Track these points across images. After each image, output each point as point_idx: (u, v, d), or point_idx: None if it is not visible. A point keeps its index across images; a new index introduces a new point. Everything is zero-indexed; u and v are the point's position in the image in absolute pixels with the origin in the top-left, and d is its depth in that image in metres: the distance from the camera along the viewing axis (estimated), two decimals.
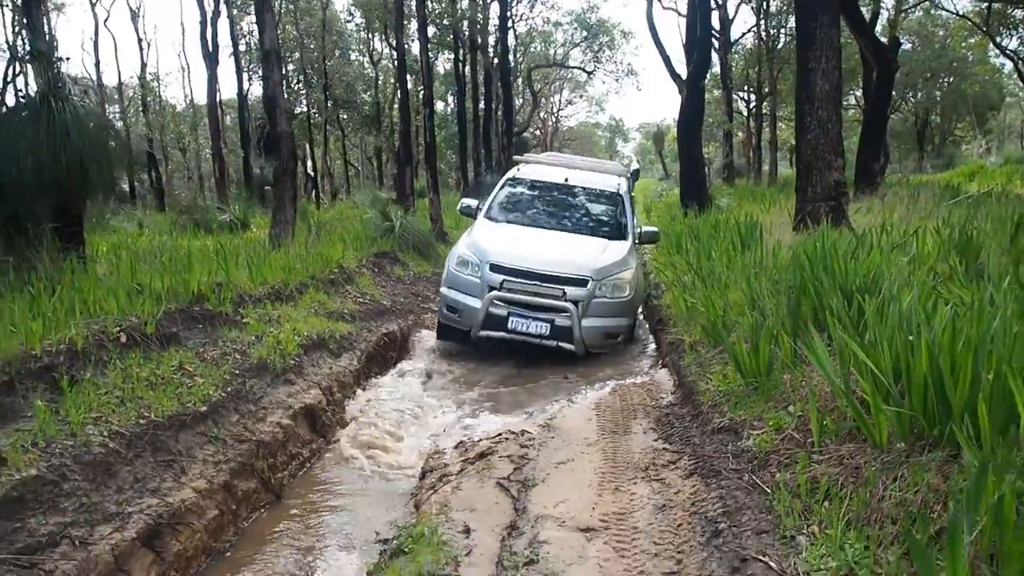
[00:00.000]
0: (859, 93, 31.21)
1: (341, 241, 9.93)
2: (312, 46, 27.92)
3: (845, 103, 35.87)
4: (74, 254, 6.68)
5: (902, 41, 31.81)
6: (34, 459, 3.36)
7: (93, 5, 23.30)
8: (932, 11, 29.64)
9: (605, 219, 8.01)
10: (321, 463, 5.05)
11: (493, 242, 7.10)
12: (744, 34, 30.55)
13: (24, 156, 6.56)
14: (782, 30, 26.42)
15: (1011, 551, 1.90)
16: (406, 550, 3.28)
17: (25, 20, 10.02)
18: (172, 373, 4.64)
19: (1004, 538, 1.95)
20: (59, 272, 6.02)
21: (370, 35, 31.33)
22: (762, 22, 27.07)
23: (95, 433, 3.72)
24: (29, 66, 8.09)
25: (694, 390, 4.75)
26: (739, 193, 18.53)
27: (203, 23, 18.34)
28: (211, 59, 18.35)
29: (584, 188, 8.32)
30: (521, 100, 38.51)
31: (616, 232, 7.70)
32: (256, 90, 28.29)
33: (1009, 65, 27.57)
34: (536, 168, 8.82)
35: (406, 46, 19.19)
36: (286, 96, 17.29)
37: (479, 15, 23.35)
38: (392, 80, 33.37)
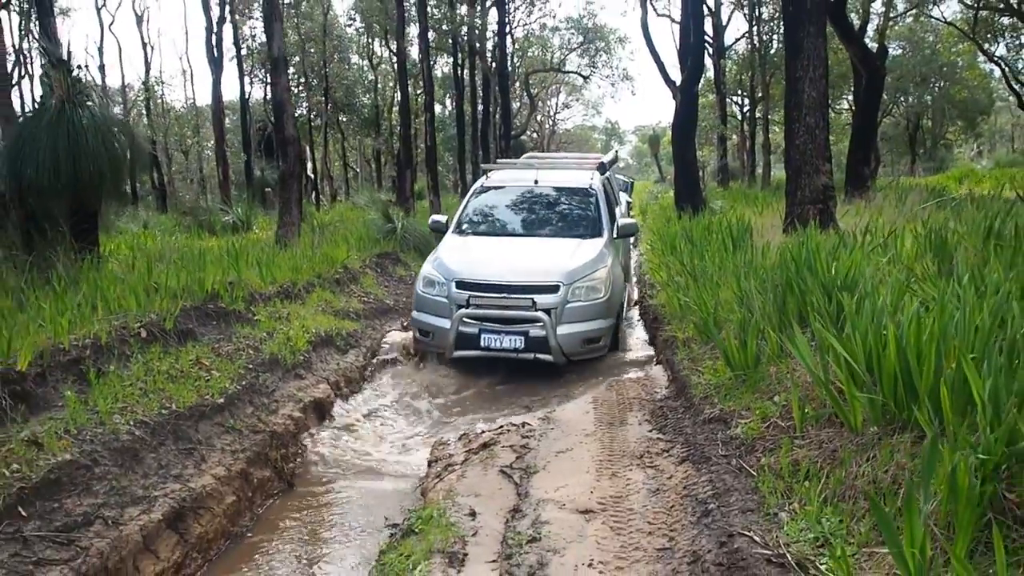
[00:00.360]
0: (851, 98, 31.53)
1: (344, 242, 10.17)
2: (313, 50, 28.15)
3: (838, 108, 36.31)
4: (91, 253, 6.92)
5: (893, 47, 32.25)
6: (67, 445, 3.59)
7: (99, 10, 23.46)
8: (921, 18, 30.01)
9: (577, 218, 7.70)
10: (332, 454, 5.27)
11: (457, 258, 6.87)
12: (737, 40, 30.89)
13: (43, 159, 6.81)
14: (774, 36, 26.74)
15: (962, 517, 2.14)
16: (416, 531, 3.52)
17: (38, 27, 10.27)
18: (190, 367, 4.88)
19: (957, 506, 2.20)
20: (76, 270, 6.26)
21: (370, 39, 31.59)
22: (755, 28, 27.39)
23: (122, 422, 3.95)
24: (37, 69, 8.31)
25: (687, 384, 4.99)
26: (733, 196, 18.81)
27: (209, 29, 18.56)
28: (216, 64, 18.57)
29: (555, 188, 8.06)
30: (519, 103, 38.79)
31: (590, 230, 7.41)
32: (257, 93, 28.54)
33: (998, 70, 27.92)
34: (505, 174, 8.60)
35: (406, 51, 19.45)
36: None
37: (478, 21, 23.61)
38: (391, 83, 33.65)
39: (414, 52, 26.12)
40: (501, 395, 6.28)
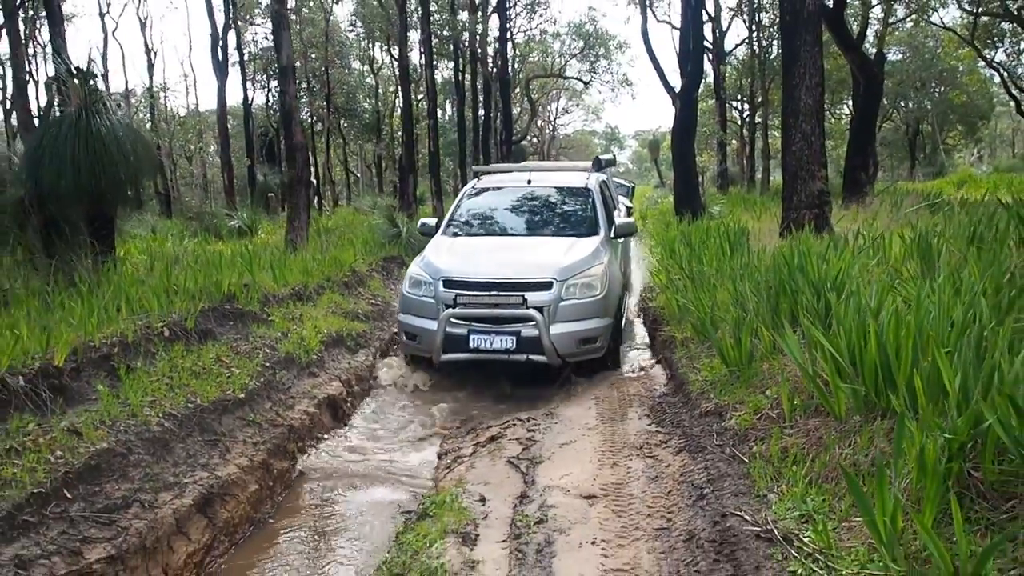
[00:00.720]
0: (852, 103, 31.81)
1: (351, 246, 10.42)
2: (314, 55, 28.44)
3: (839, 113, 36.64)
4: (108, 257, 7.18)
5: (893, 52, 32.55)
6: (104, 435, 3.83)
7: (103, 16, 23.75)
8: (921, 23, 30.29)
9: (572, 216, 7.41)
10: (346, 446, 5.50)
11: (445, 256, 6.59)
12: (737, 45, 31.22)
13: (62, 166, 7.06)
14: (774, 42, 27.02)
15: (929, 490, 2.38)
16: (431, 514, 3.76)
17: (50, 35, 10.55)
18: (211, 364, 5.12)
19: (925, 481, 2.44)
20: (97, 273, 6.51)
21: (371, 45, 31.91)
22: (755, 34, 27.68)
23: (152, 414, 4.20)
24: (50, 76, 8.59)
25: (684, 380, 5.24)
26: (732, 201, 19.06)
27: (214, 36, 18.83)
28: (221, 70, 18.84)
29: (548, 187, 7.81)
30: (519, 108, 39.09)
31: (585, 228, 7.12)
32: (258, 99, 28.83)
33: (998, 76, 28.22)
34: (497, 177, 8.41)
35: (407, 56, 19.73)
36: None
37: (479, 27, 23.91)
38: (391, 89, 33.96)
39: (415, 57, 26.46)
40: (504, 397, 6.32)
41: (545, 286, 6.09)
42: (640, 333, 8.20)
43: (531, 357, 6.01)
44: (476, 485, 4.17)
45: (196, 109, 31.97)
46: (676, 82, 17.32)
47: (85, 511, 3.35)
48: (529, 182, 7.88)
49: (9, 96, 25.30)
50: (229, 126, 27.95)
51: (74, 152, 7.14)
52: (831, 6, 15.34)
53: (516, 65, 33.43)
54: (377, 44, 31.61)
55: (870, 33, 23.35)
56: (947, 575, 2.05)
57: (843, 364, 3.33)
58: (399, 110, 28.46)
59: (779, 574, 2.57)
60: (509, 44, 28.90)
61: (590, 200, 7.49)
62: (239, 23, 23.15)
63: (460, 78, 25.50)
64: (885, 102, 31.74)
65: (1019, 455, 2.34)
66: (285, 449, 4.93)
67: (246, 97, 22.80)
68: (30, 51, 24.68)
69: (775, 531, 2.82)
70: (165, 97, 28.80)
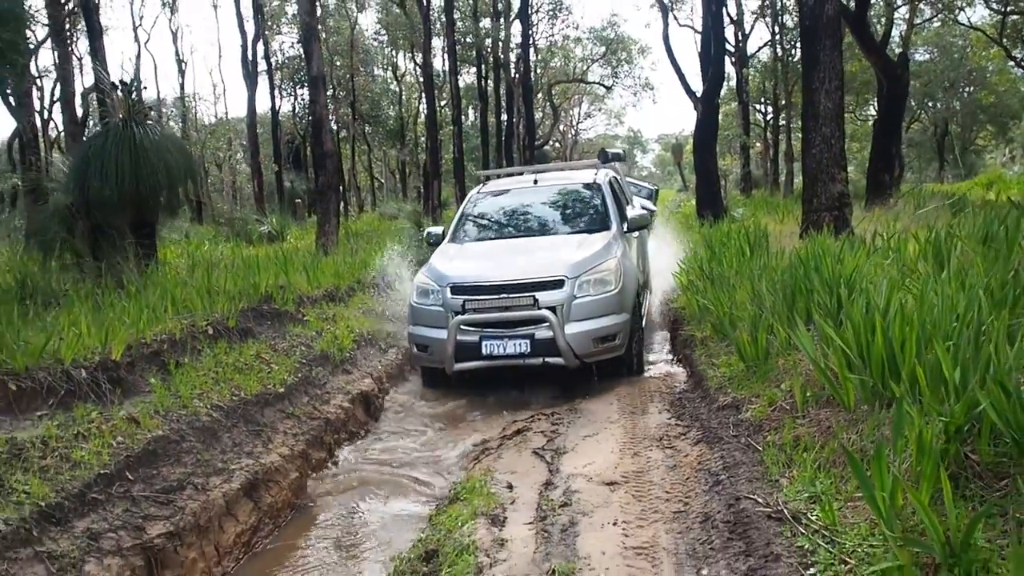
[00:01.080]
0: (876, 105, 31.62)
1: (379, 250, 10.72)
2: (339, 63, 28.99)
3: (864, 115, 36.44)
4: (151, 260, 7.54)
5: (921, 52, 32.34)
6: (159, 423, 4.13)
7: (135, 29, 24.40)
8: (948, 23, 30.06)
9: (581, 212, 7.26)
10: (378, 441, 5.76)
11: (451, 262, 6.43)
12: (760, 48, 31.22)
13: (108, 175, 7.44)
14: (797, 44, 27.01)
15: (926, 469, 2.57)
16: (462, 498, 4.00)
17: (89, 48, 10.99)
18: (252, 360, 5.42)
19: (922, 461, 2.62)
20: (142, 276, 6.86)
21: (395, 52, 32.41)
22: (777, 37, 27.68)
23: (201, 406, 4.49)
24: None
25: (703, 377, 5.43)
26: (754, 204, 19.14)
27: (244, 46, 19.34)
28: (251, 80, 19.32)
29: (555, 186, 7.68)
30: (541, 114, 39.40)
31: (596, 223, 6.93)
32: (285, 107, 29.41)
33: None
34: (503, 180, 8.37)
35: (431, 64, 20.08)
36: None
37: (501, 33, 24.24)
38: (415, 95, 34.42)
39: (438, 64, 26.83)
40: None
41: (556, 284, 5.87)
42: (659, 338, 8.36)
43: (547, 360, 5.82)
44: (504, 474, 4.40)
45: (225, 117, 32.66)
46: (698, 86, 17.50)
47: (145, 491, 3.64)
48: (536, 182, 7.76)
49: (45, 107, 26.08)
50: (257, 134, 28.56)
51: (118, 161, 7.53)
52: (854, 8, 15.42)
53: (538, 70, 33.73)
54: (401, 51, 32.09)
55: (895, 33, 23.30)
56: (939, 543, 2.24)
57: (852, 357, 3.51)
58: (423, 116, 28.86)
59: (787, 548, 2.76)
60: (531, 50, 29.21)
61: (599, 195, 7.31)
62: (266, 32, 23.71)
63: (483, 84, 25.85)
64: (912, 103, 31.51)
65: (1011, 438, 2.52)
66: (322, 440, 5.20)
67: (274, 105, 23.38)
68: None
69: (785, 511, 3.01)
70: (195, 106, 29.52)
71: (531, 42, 28.84)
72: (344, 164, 32.46)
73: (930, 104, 35.72)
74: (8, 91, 11.46)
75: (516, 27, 26.38)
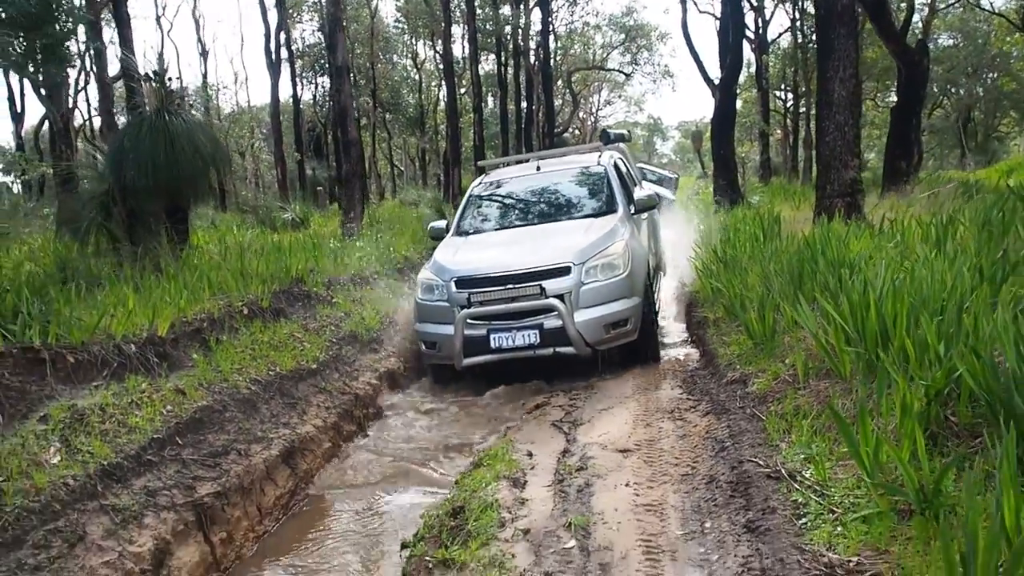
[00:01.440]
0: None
1: (401, 236, 11.04)
2: (360, 51, 29.28)
3: (885, 102, 36.09)
4: (185, 244, 7.89)
5: (944, 37, 31.98)
6: (203, 395, 4.46)
7: (159, 19, 24.82)
8: (971, 8, 29.71)
9: (586, 197, 7.13)
10: (403, 416, 6.06)
11: (454, 256, 6.32)
12: (780, 35, 31.05)
13: (143, 163, 7.78)
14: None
15: (907, 428, 2.82)
16: (485, 464, 4.29)
17: (118, 38, 11.35)
18: (286, 339, 5.75)
19: (905, 421, 2.87)
20: (177, 259, 7.21)
21: (415, 40, 32.63)
22: (798, 23, 27.53)
23: (240, 380, 4.82)
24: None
25: (714, 355, 5.68)
26: (772, 191, 19.21)
27: (267, 35, 19.67)
28: (274, 69, 19.66)
29: (558, 172, 7.54)
30: (561, 101, 39.47)
31: (602, 207, 6.82)
32: (306, 95, 29.79)
33: None
34: (505, 170, 8.25)
35: (451, 51, 20.32)
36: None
37: (521, 20, 24.39)
38: (435, 83, 34.66)
39: (458, 51, 27.04)
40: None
41: (563, 271, 5.76)
42: (675, 320, 8.59)
43: (558, 350, 5.74)
44: (524, 444, 4.69)
45: (248, 106, 33.13)
46: (716, 73, 17.60)
47: (194, 455, 3.97)
48: (538, 169, 7.65)
49: (70, 95, 26.56)
50: (280, 123, 28.97)
51: (153, 150, 7.86)
52: None
53: (558, 58, 33.82)
54: (421, 39, 32.31)
55: (917, 18, 23.09)
56: (913, 491, 2.49)
57: (849, 331, 3.76)
58: (443, 104, 29.16)
59: (783, 502, 3.03)
60: (551, 37, 29.31)
61: (604, 178, 7.18)
62: (288, 21, 24.04)
63: (503, 72, 26.04)
64: (935, 89, 31.17)
65: (985, 400, 2.76)
66: (352, 414, 5.53)
67: (295, 94, 23.69)
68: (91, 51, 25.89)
69: (782, 470, 3.27)
70: (218, 95, 29.98)
71: (551, 29, 28.96)
72: (365, 152, 32.86)
73: (953, 90, 35.31)
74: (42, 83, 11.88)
75: (536, 14, 26.52)
